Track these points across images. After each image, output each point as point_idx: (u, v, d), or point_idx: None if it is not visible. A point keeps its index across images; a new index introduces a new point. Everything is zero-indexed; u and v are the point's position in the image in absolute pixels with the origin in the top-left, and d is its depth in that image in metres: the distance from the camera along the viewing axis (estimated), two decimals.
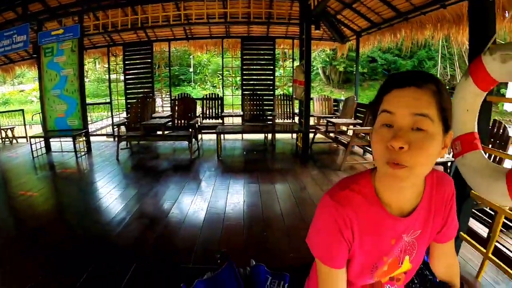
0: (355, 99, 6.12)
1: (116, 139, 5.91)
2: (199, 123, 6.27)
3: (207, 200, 3.50)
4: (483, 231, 2.51)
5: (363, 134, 5.11)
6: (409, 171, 0.68)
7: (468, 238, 1.67)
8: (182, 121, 6.11)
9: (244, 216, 3.11)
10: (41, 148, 5.80)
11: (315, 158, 5.52)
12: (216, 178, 4.26)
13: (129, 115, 6.39)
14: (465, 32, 4.24)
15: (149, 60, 7.08)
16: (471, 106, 1.41)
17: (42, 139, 5.86)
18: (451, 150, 1.57)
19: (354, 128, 5.00)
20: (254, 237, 2.71)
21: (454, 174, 1.58)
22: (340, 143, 5.25)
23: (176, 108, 6.15)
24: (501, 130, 2.58)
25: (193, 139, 5.53)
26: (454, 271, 1.03)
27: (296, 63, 6.44)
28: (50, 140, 6.11)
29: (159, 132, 5.58)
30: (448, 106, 0.70)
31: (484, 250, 1.58)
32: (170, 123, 5.88)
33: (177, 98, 6.60)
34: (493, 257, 1.56)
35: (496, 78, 1.25)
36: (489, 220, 2.55)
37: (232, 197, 3.59)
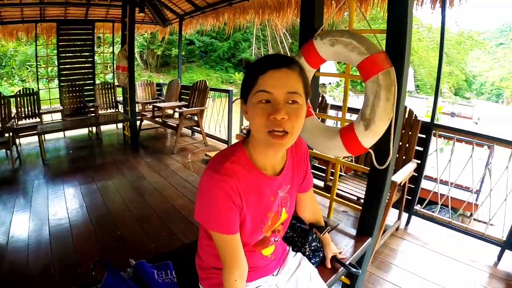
0: (179, 82, 6.33)
1: None
2: (14, 126, 5.24)
3: (45, 212, 3.07)
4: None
5: (190, 115, 5.38)
6: (290, 137, 0.86)
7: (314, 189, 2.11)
8: None
9: (91, 219, 2.93)
10: None
11: (146, 145, 5.58)
12: (47, 186, 3.75)
13: None
14: (284, 17, 4.81)
15: None
16: None
17: None
18: None
19: (182, 110, 5.28)
20: (109, 236, 2.64)
21: None
22: (169, 126, 5.40)
23: None
24: (320, 99, 3.27)
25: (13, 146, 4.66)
26: (318, 213, 1.32)
27: (117, 49, 6.04)
28: None
29: None
30: (308, 82, 0.91)
31: (329, 195, 2.02)
32: None
33: None
34: (337, 198, 2.01)
35: (324, 58, 1.61)
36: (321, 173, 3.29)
37: (72, 203, 3.28)
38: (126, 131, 5.66)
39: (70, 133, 6.28)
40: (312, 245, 1.34)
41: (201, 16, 6.32)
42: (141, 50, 20.86)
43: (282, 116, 0.82)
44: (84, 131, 6.26)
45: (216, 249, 0.96)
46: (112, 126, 6.78)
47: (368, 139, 1.44)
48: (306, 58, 1.65)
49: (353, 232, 1.72)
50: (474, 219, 3.06)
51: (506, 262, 2.53)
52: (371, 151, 1.53)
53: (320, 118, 2.02)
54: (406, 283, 2.22)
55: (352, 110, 3.29)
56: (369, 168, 1.66)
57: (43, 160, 4.61)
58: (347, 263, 1.39)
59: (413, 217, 3.03)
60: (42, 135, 4.70)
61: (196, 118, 5.43)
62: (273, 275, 1.15)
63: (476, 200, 4.08)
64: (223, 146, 5.43)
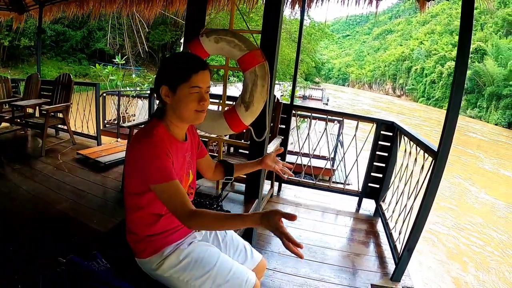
0: (39, 76, 5.70)
1: None
2: None
3: None
4: None
5: (53, 113, 5.01)
6: (204, 114, 1.23)
7: None
8: None
9: None
10: None
11: (8, 151, 4.82)
12: None
13: None
14: (153, 9, 4.89)
15: None
16: None
17: None
18: None
19: (46, 107, 4.76)
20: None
21: None
22: (32, 126, 4.94)
23: None
24: None
25: None
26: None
27: None
28: None
29: None
30: None
31: None
32: None
33: None
34: None
35: (209, 52, 1.92)
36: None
37: None
38: None
39: None
40: (219, 204, 1.70)
41: (63, 3, 5.82)
42: None
43: (207, 102, 1.25)
44: None
45: (151, 215, 1.22)
46: None
47: (248, 118, 1.84)
48: (194, 53, 1.93)
49: (242, 197, 2.12)
50: (333, 182, 3.89)
51: (364, 208, 3.47)
52: (250, 128, 1.93)
53: None
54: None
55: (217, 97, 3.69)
56: (248, 143, 2.07)
57: None
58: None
59: (283, 185, 3.66)
60: None
61: (60, 115, 5.05)
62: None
63: (332, 166, 5.06)
64: (93, 142, 5.21)
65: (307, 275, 2.31)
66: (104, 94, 6.03)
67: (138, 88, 9.17)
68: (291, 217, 1.00)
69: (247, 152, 2.08)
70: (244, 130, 2.00)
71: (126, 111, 7.26)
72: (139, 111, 6.93)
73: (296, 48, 3.44)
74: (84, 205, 3.19)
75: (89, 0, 5.44)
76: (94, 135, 5.22)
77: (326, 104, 18.71)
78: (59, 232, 2.73)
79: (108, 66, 9.72)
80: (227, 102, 2.12)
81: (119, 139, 5.51)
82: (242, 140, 3.22)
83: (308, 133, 3.65)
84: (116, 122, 6.84)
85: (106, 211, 3.12)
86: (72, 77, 5.13)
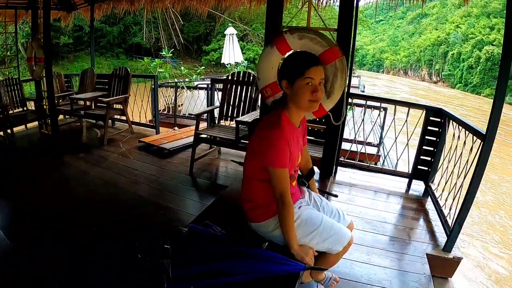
0: (94, 71, 6.14)
1: None
2: None
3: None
4: None
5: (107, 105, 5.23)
6: (318, 103, 1.55)
7: None
8: None
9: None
10: None
11: (70, 142, 5.30)
12: None
13: None
14: (206, 5, 5.22)
15: None
16: (274, 64, 2.43)
17: None
18: (263, 95, 2.57)
19: (110, 99, 5.13)
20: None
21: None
22: (95, 117, 5.48)
23: None
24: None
25: None
26: (310, 162, 2.01)
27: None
28: None
29: None
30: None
31: None
32: None
33: None
34: None
35: (292, 48, 2.30)
36: None
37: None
38: (44, 129, 5.45)
39: None
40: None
41: (113, 1, 6.14)
42: (26, 40, 18.42)
43: (321, 93, 1.51)
44: None
45: (269, 187, 1.54)
46: (19, 128, 5.90)
47: (329, 104, 2.22)
48: (277, 47, 2.34)
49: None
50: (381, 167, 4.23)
51: (413, 189, 3.78)
52: (329, 113, 2.30)
53: None
54: (347, 209, 3.07)
55: None
56: (324, 127, 2.45)
57: None
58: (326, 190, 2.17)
59: (339, 168, 3.99)
60: None
61: (118, 106, 5.44)
62: (302, 197, 1.82)
63: (378, 152, 5.38)
64: (151, 131, 5.59)
65: (372, 244, 2.68)
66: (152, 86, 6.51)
67: (187, 80, 9.73)
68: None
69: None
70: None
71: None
72: (188, 101, 7.36)
73: (352, 36, 3.72)
74: (157, 188, 3.60)
75: None
76: (152, 124, 5.68)
77: (363, 91, 18.62)
78: (139, 214, 3.06)
79: (156, 60, 10.28)
80: None
81: (176, 128, 5.95)
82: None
83: (363, 120, 3.95)
84: (165, 112, 7.41)
85: (179, 192, 3.52)
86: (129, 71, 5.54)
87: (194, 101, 7.29)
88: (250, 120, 3.49)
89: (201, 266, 1.46)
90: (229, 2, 5.06)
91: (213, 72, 21.49)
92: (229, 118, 4.23)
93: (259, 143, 1.53)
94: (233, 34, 11.06)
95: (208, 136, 3.92)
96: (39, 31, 5.08)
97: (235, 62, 11.09)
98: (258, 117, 3.64)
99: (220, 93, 4.75)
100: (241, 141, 3.70)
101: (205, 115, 4.32)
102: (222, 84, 4.35)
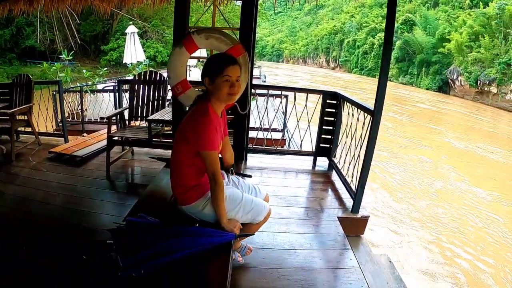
0: None
1: None
2: None
3: None
4: None
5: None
6: (236, 96, 1.85)
7: None
8: None
9: None
10: None
11: None
12: None
13: None
14: (111, 4, 5.08)
15: None
16: (183, 63, 2.66)
17: None
18: (175, 92, 2.78)
19: (14, 110, 4.73)
20: None
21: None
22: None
23: None
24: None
25: None
26: (232, 154, 2.28)
27: None
28: None
29: None
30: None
31: None
32: None
33: None
34: None
35: (200, 47, 2.55)
36: None
37: None
38: None
39: None
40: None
41: (10, 3, 5.46)
42: None
43: (237, 89, 1.79)
44: None
45: (198, 169, 1.82)
46: None
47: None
48: (186, 47, 2.58)
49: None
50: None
51: (318, 165, 4.29)
52: (236, 104, 2.61)
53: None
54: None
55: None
56: (233, 116, 2.75)
57: None
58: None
59: (249, 154, 4.26)
60: None
61: (23, 117, 5.05)
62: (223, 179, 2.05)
63: (283, 136, 5.95)
64: (59, 140, 5.38)
65: (288, 216, 3.07)
66: (54, 92, 6.20)
67: (90, 83, 9.26)
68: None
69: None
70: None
71: (78, 107, 7.44)
72: (93, 105, 7.11)
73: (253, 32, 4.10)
74: (78, 196, 3.53)
75: None
76: (59, 132, 5.46)
77: (264, 81, 19.49)
78: (64, 223, 3.02)
79: (56, 64, 9.60)
80: None
81: (85, 134, 5.77)
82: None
83: (266, 108, 4.38)
84: (69, 119, 7.05)
85: (100, 197, 3.56)
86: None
87: (99, 105, 7.09)
88: (160, 118, 3.65)
89: (147, 250, 1.65)
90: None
91: (113, 72, 20.48)
92: (139, 118, 4.33)
93: (192, 131, 1.76)
94: (134, 32, 10.88)
95: (121, 138, 4.00)
96: None
97: (137, 61, 10.89)
98: (169, 114, 3.83)
99: (127, 94, 4.80)
100: (153, 139, 3.86)
101: (115, 117, 4.34)
102: (128, 85, 4.41)
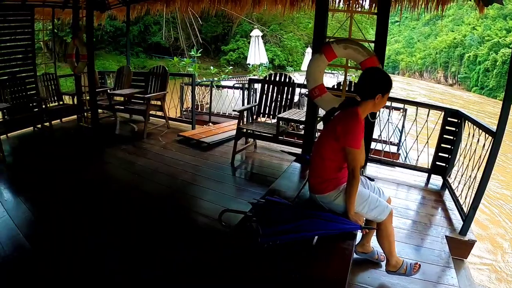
0: (130, 69, 6.57)
1: None
2: None
3: None
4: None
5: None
6: None
7: None
8: None
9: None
10: None
11: (108, 135, 5.77)
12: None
13: None
14: (243, 9, 5.61)
15: None
16: (321, 69, 2.99)
17: None
18: (312, 94, 3.09)
19: (151, 95, 5.63)
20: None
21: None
22: (135, 112, 5.92)
23: None
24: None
25: None
26: (364, 157, 2.53)
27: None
28: None
29: None
30: None
31: None
32: None
33: None
34: None
35: (338, 55, 2.84)
36: None
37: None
38: (83, 122, 5.95)
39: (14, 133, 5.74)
40: None
41: (148, 2, 6.48)
42: (49, 38, 19.09)
43: None
44: (28, 129, 5.90)
45: (338, 165, 2.12)
46: (55, 121, 6.31)
47: None
48: (325, 55, 2.89)
49: None
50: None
51: (432, 183, 4.27)
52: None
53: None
54: None
55: None
56: None
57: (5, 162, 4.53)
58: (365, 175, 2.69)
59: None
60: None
61: (159, 103, 5.85)
62: None
63: (398, 150, 5.90)
64: (186, 126, 6.11)
65: (397, 226, 3.14)
66: (182, 84, 7.09)
67: (216, 79, 10.37)
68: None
69: None
70: None
71: (203, 99, 8.34)
72: (217, 99, 7.86)
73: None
74: (202, 176, 4.10)
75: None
76: (187, 119, 6.24)
77: None
78: (191, 198, 3.59)
79: (185, 59, 10.97)
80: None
81: (210, 124, 6.50)
82: None
83: (388, 121, 4.47)
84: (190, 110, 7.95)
85: (223, 179, 4.05)
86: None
87: (223, 100, 7.85)
88: (289, 117, 4.02)
89: (282, 225, 1.99)
90: (264, 5, 5.39)
91: (232, 72, 22.08)
92: (266, 115, 4.75)
93: (343, 130, 2.04)
94: (258, 36, 11.75)
95: (250, 131, 4.44)
96: (82, 29, 5.54)
97: (260, 63, 11.72)
98: (297, 114, 4.22)
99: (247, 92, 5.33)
100: (279, 136, 4.23)
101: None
102: (260, 84, 4.85)
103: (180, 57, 12.18)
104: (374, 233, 2.38)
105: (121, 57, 21.99)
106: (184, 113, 7.80)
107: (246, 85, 5.96)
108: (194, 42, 18.74)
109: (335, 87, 3.96)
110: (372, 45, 2.90)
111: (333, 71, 19.50)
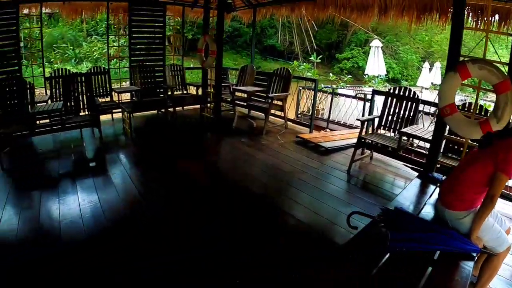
0: (254, 67, 7.07)
1: None
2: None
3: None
4: None
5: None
6: None
7: None
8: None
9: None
10: None
11: (226, 127, 6.25)
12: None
13: None
14: (367, 18, 5.79)
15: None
16: (454, 87, 3.11)
17: None
18: (443, 112, 3.17)
19: (274, 95, 6.00)
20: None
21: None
22: (257, 109, 6.30)
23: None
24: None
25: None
26: None
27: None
28: None
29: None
30: None
31: None
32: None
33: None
34: None
35: (472, 75, 2.92)
36: None
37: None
38: (205, 112, 6.52)
39: (140, 113, 6.51)
40: None
41: (273, 7, 6.95)
42: (172, 33, 21.65)
43: None
44: (152, 111, 6.78)
45: (480, 189, 2.17)
46: (178, 108, 6.95)
47: (496, 127, 2.74)
48: (460, 73, 2.97)
49: None
50: None
51: None
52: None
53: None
54: None
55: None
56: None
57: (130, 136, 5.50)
58: None
59: None
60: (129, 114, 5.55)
61: (282, 103, 6.20)
62: None
63: None
64: (303, 129, 6.35)
65: (509, 264, 2.84)
66: (300, 88, 7.47)
67: (334, 86, 10.74)
68: None
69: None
70: None
71: (319, 104, 8.61)
72: (334, 106, 7.94)
73: None
74: (318, 178, 4.27)
75: (301, 4, 6.41)
76: (305, 123, 6.48)
77: None
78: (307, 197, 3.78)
79: (304, 64, 11.48)
80: None
81: (327, 130, 6.70)
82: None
83: None
84: (310, 114, 8.28)
85: (337, 184, 4.18)
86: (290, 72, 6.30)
87: (339, 108, 7.98)
88: (413, 133, 4.10)
89: (409, 234, 2.14)
90: (390, 16, 5.46)
91: (349, 80, 21.86)
92: (386, 128, 4.77)
93: (504, 158, 2.07)
94: (378, 46, 11.62)
95: (370, 141, 4.54)
96: (212, 26, 6.17)
97: (378, 74, 11.53)
98: (421, 130, 4.26)
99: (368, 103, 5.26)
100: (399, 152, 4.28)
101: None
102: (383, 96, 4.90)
103: (295, 61, 12.63)
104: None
105: (237, 56, 23.14)
106: (299, 116, 8.07)
107: (368, 96, 5.98)
108: (308, 48, 19.10)
109: (460, 107, 3.89)
110: (506, 67, 2.87)
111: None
